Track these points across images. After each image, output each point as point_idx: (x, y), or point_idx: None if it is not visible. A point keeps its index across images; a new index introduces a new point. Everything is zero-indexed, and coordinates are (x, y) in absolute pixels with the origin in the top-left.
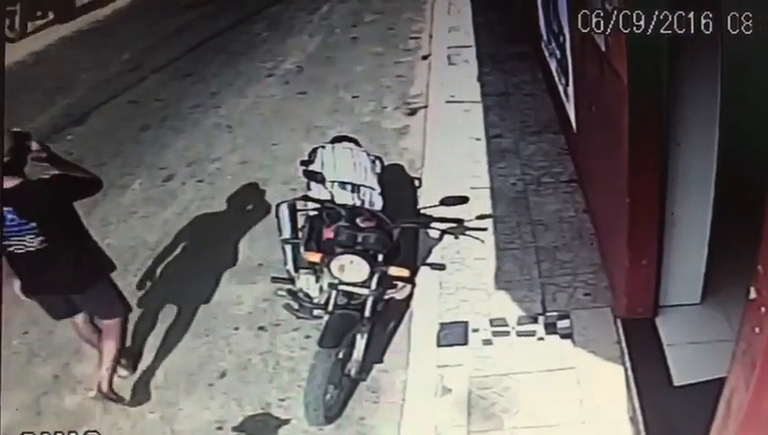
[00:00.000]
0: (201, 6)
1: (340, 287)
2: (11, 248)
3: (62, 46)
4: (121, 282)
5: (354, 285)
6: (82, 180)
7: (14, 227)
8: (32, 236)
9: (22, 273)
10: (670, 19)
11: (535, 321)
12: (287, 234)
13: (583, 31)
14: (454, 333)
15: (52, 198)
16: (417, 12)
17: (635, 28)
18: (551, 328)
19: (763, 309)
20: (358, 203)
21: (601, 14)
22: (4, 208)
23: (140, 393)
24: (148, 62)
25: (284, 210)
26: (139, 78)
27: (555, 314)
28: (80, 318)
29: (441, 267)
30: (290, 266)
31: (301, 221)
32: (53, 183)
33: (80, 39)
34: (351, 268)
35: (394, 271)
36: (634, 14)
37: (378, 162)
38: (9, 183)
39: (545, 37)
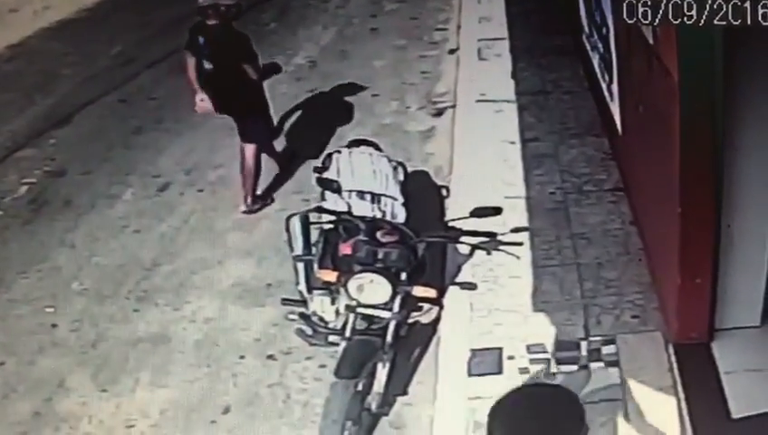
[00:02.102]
0: None
1: (359, 310)
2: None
3: (43, 38)
4: (113, 306)
5: (374, 307)
6: None
7: None
8: None
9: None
10: (725, 9)
11: (578, 347)
12: (299, 250)
13: (629, 22)
14: (487, 361)
15: None
16: (444, 0)
17: (686, 19)
18: (595, 354)
19: None
20: (378, 215)
21: (649, 3)
22: None
23: None
24: (141, 56)
25: (296, 223)
26: (132, 74)
27: (600, 338)
28: None
29: (472, 287)
30: (302, 287)
31: (314, 236)
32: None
33: (63, 30)
34: (371, 288)
35: (419, 291)
36: (685, 3)
37: (400, 169)
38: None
39: (586, 29)
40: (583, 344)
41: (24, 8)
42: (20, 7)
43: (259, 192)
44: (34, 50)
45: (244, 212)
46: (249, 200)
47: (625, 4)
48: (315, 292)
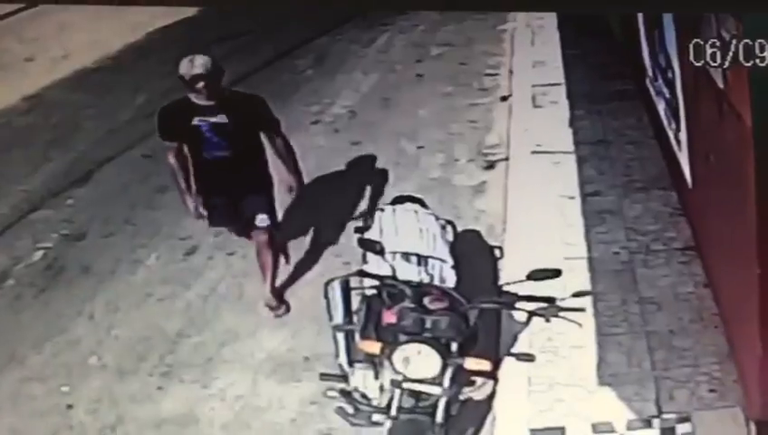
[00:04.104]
0: (232, 39)
1: (406, 385)
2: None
3: (61, 89)
4: (134, 383)
5: (422, 381)
6: None
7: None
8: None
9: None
10: None
11: (649, 425)
12: (339, 319)
13: (696, 64)
14: None
15: None
16: (494, 43)
17: (758, 60)
18: (668, 434)
19: None
20: (425, 279)
21: (718, 45)
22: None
23: None
24: None
25: (335, 289)
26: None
27: (673, 416)
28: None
29: (530, 358)
30: (342, 360)
31: (356, 303)
32: None
33: (83, 80)
34: (419, 361)
35: (472, 364)
36: (757, 44)
37: (449, 228)
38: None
39: (650, 72)
40: (655, 422)
41: (41, 57)
42: (36, 56)
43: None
44: (52, 102)
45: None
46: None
47: (692, 46)
48: (357, 365)
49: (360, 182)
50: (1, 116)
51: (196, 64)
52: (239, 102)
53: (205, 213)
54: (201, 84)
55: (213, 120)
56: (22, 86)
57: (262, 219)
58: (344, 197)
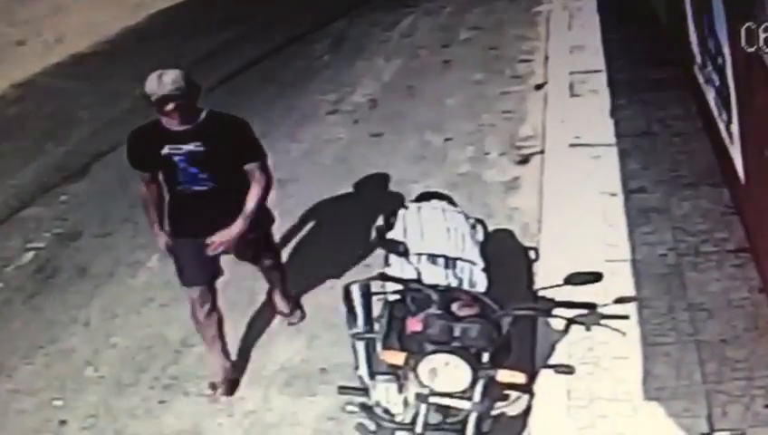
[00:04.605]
0: (241, 22)
1: (432, 399)
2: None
3: (55, 75)
4: (134, 397)
5: (451, 395)
6: None
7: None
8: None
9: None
10: None
11: None
12: (359, 326)
13: (749, 50)
14: None
15: None
16: (528, 26)
17: None
18: None
19: None
20: (454, 283)
21: None
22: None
23: None
24: None
25: (355, 294)
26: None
27: (727, 433)
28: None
29: (569, 370)
30: (363, 371)
31: (377, 309)
32: None
33: (78, 65)
34: (447, 373)
35: (505, 376)
36: None
37: (479, 227)
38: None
39: (699, 58)
40: None
41: (33, 40)
42: (27, 39)
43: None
44: (44, 89)
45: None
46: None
47: (744, 30)
48: (379, 377)
49: (370, 210)
50: None
51: (165, 82)
52: (219, 127)
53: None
54: (172, 106)
55: (187, 148)
56: (12, 72)
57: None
58: (351, 229)
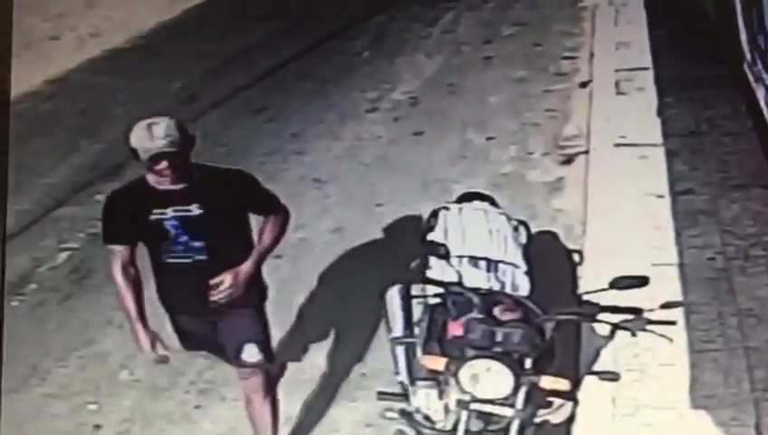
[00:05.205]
0: (278, 17)
1: (474, 406)
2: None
3: (90, 71)
4: (170, 401)
5: (493, 402)
6: None
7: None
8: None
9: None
10: None
11: None
12: (399, 331)
13: None
14: None
15: None
16: (573, 22)
17: None
18: None
19: None
20: (496, 287)
21: None
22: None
23: None
24: (206, 93)
25: (394, 297)
26: (195, 114)
27: None
28: None
29: (614, 377)
30: (403, 377)
31: (417, 313)
32: None
33: (114, 61)
34: (489, 379)
35: (548, 382)
36: None
37: (522, 229)
38: None
39: (748, 56)
40: None
41: (67, 35)
42: (61, 34)
43: None
44: (79, 86)
45: None
46: None
47: None
48: (419, 383)
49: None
50: (23, 101)
51: (156, 135)
52: (219, 185)
53: (164, 352)
54: (164, 165)
55: (180, 211)
56: (46, 68)
57: (250, 352)
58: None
